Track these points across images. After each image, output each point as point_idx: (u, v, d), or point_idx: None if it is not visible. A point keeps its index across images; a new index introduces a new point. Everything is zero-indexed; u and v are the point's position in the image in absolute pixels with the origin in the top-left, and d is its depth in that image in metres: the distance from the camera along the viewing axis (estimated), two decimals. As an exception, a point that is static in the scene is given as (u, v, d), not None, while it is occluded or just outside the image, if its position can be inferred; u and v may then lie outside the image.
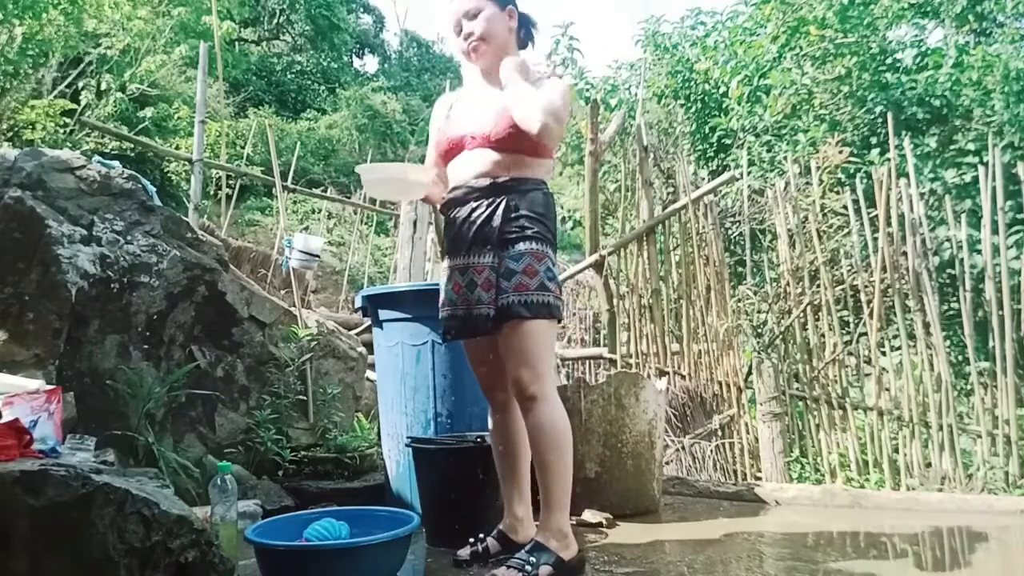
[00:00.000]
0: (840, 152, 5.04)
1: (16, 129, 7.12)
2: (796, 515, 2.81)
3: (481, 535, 2.10)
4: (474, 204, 2.02)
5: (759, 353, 3.98)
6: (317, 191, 8.91)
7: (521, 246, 1.97)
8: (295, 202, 10.81)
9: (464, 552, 2.06)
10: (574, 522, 2.54)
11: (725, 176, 4.77)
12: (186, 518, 1.56)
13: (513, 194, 1.99)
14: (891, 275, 3.72)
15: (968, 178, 5.14)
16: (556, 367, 4.66)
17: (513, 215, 1.98)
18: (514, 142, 1.99)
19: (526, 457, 2.08)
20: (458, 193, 2.06)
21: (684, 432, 4.05)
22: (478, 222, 2.00)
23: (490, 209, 1.99)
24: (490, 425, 2.17)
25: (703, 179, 5.80)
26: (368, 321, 3.27)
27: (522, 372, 1.92)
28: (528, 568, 1.82)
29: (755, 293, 4.32)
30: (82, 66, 8.27)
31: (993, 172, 3.58)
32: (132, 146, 7.17)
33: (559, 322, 2.05)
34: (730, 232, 5.54)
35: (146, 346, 2.72)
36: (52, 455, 1.81)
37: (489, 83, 2.11)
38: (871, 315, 3.77)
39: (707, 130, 7.28)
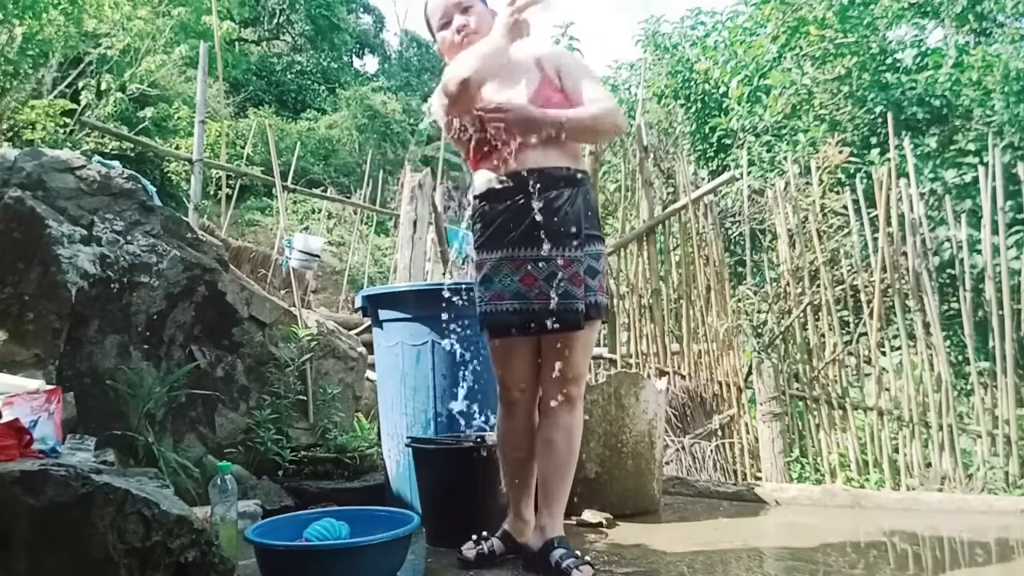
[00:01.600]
0: (840, 152, 5.04)
1: (16, 129, 7.12)
2: (796, 515, 2.81)
3: (484, 534, 2.09)
4: (553, 193, 1.90)
5: (759, 353, 3.98)
6: (317, 191, 8.91)
7: (599, 246, 1.99)
8: (295, 202, 10.81)
9: (470, 552, 2.04)
10: (574, 522, 2.55)
11: (725, 176, 4.77)
12: (186, 518, 1.56)
13: (585, 186, 1.99)
14: (891, 275, 3.72)
15: (968, 178, 5.15)
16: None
17: (590, 211, 1.98)
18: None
19: (534, 460, 2.06)
20: (527, 179, 1.90)
21: (684, 432, 4.05)
22: (561, 213, 1.89)
23: (570, 201, 1.92)
24: (501, 427, 2.08)
25: (703, 179, 5.81)
26: (368, 321, 3.27)
27: (577, 372, 1.95)
28: (579, 554, 1.92)
29: (755, 293, 4.32)
30: (82, 66, 8.27)
31: (993, 172, 3.58)
32: (132, 146, 7.17)
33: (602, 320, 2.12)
34: (730, 232, 5.54)
35: (146, 346, 2.72)
36: (52, 455, 1.81)
37: None
38: (871, 315, 3.77)
39: (707, 130, 7.28)
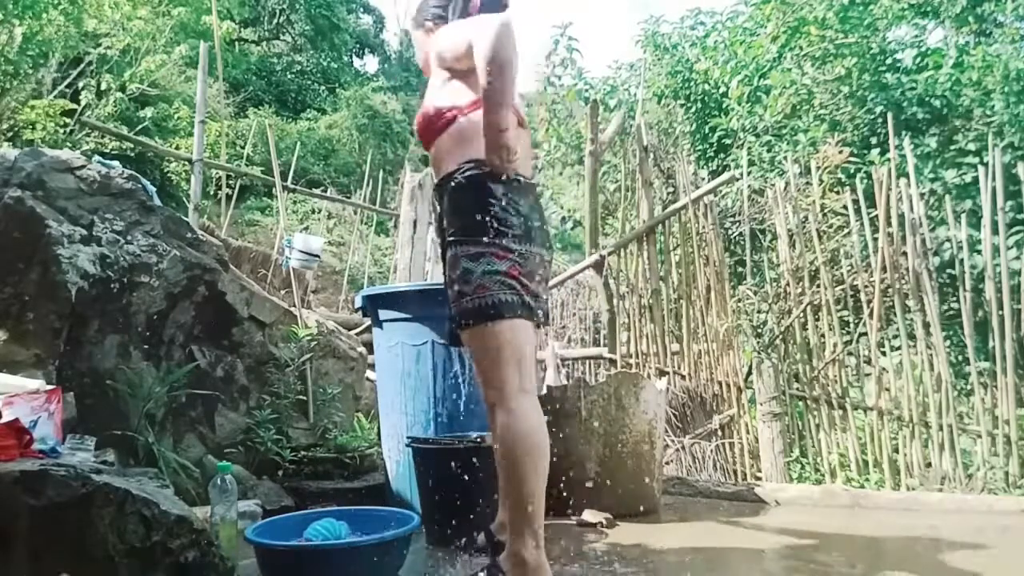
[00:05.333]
0: (840, 152, 5.04)
1: (16, 129, 7.11)
2: (796, 515, 2.81)
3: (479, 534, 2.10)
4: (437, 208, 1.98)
5: (759, 353, 3.98)
6: (317, 191, 8.91)
7: (456, 248, 1.82)
8: (295, 202, 10.81)
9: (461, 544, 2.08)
10: (574, 522, 2.54)
11: (725, 176, 4.77)
12: (186, 518, 1.56)
13: (449, 188, 1.85)
14: (891, 275, 3.72)
15: (968, 178, 5.14)
16: (557, 367, 4.66)
17: (453, 213, 1.85)
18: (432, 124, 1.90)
19: None
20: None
21: (684, 432, 4.04)
22: (439, 227, 1.95)
23: (440, 212, 1.92)
24: None
25: (703, 179, 5.80)
26: (368, 321, 3.27)
27: (483, 379, 1.83)
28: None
29: (755, 293, 4.32)
30: (82, 66, 8.26)
31: (993, 172, 3.58)
32: (132, 146, 7.16)
33: (502, 319, 1.76)
34: (730, 232, 5.53)
35: (146, 346, 2.72)
36: (52, 455, 1.81)
37: None
38: (871, 315, 3.76)
39: (707, 130, 7.27)
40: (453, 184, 1.84)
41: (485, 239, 1.77)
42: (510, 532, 1.73)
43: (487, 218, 1.78)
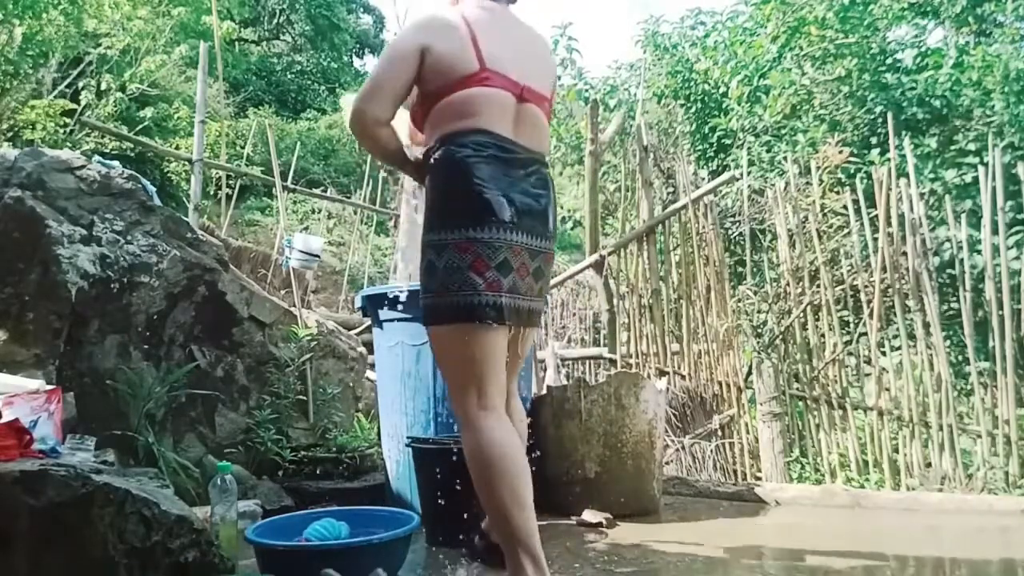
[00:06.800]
0: (840, 152, 5.04)
1: (16, 129, 7.11)
2: (796, 515, 2.81)
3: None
4: None
5: (759, 353, 3.98)
6: (317, 191, 8.91)
7: (425, 236, 1.67)
8: (295, 202, 10.80)
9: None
10: (573, 522, 2.55)
11: (725, 176, 4.77)
12: (186, 518, 1.56)
13: (429, 176, 1.71)
14: (891, 275, 3.72)
15: (968, 178, 5.14)
16: (557, 367, 4.66)
17: (428, 203, 1.69)
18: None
19: None
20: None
21: (684, 432, 4.04)
22: None
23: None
24: None
25: (703, 179, 5.80)
26: (368, 321, 3.27)
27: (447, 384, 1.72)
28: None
29: (755, 293, 4.32)
30: (82, 66, 8.26)
31: (993, 172, 3.58)
32: (132, 146, 7.16)
33: (461, 323, 1.60)
34: (730, 232, 5.53)
35: (146, 346, 2.72)
36: (52, 455, 1.81)
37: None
38: (871, 315, 3.76)
39: (707, 130, 7.27)
40: (429, 164, 1.69)
41: (449, 230, 1.60)
42: (506, 555, 1.57)
43: (452, 202, 1.62)
